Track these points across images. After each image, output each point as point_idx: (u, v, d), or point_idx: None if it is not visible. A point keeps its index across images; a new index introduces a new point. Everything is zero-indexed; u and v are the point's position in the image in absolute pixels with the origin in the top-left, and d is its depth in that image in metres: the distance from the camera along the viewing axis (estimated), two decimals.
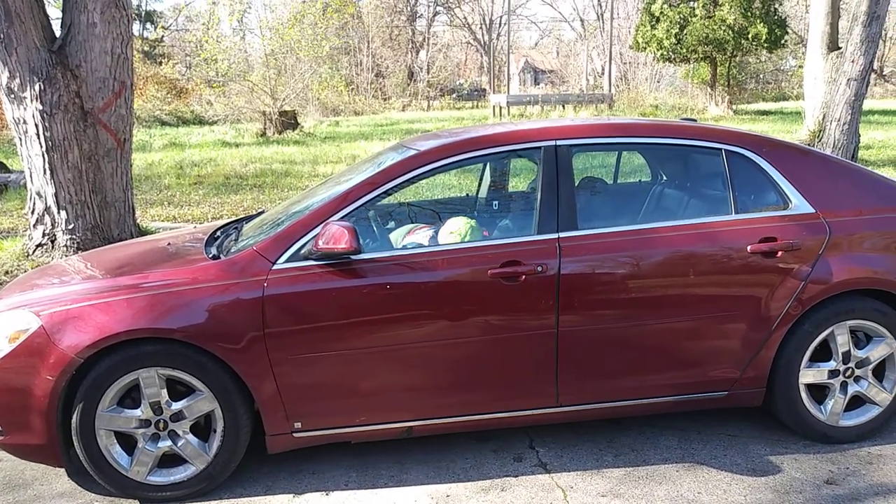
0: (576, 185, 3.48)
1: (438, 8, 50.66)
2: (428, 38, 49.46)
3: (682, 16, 25.98)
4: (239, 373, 3.13)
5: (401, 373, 3.27)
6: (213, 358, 3.11)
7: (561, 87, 42.50)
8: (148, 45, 37.39)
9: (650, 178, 4.37)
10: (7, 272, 6.36)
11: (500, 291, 3.25)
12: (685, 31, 25.85)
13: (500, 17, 46.77)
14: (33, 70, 6.27)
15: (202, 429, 3.25)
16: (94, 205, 6.68)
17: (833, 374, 3.53)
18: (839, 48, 12.42)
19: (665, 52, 26.75)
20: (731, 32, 25.25)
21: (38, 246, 6.70)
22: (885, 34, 30.93)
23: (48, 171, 6.47)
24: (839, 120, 10.36)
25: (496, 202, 4.25)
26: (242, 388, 3.17)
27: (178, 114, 28.26)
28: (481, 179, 4.47)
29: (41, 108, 6.31)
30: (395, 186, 3.39)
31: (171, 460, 3.23)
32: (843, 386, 3.55)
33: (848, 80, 10.22)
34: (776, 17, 25.69)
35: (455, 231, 3.54)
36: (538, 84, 51.35)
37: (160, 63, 34.26)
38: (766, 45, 25.70)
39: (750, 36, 25.23)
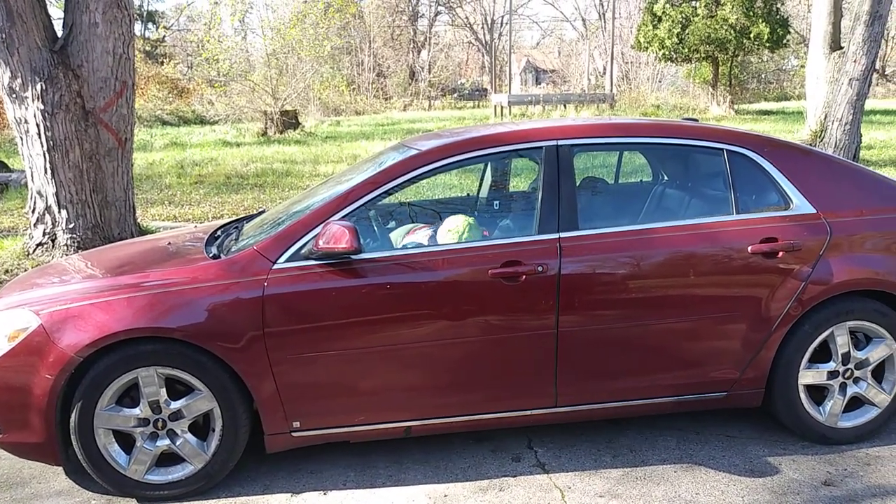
0: (577, 185, 3.48)
1: (440, 8, 50.68)
2: (429, 38, 49.46)
3: (684, 15, 25.98)
4: (238, 372, 3.13)
5: (400, 373, 3.27)
6: (213, 357, 3.11)
7: (562, 87, 42.48)
8: (149, 44, 37.45)
9: (651, 178, 4.36)
10: (7, 271, 6.37)
11: (501, 291, 3.25)
12: (687, 31, 25.85)
13: (502, 16, 46.79)
14: (35, 70, 6.28)
15: (201, 428, 3.25)
16: (95, 204, 6.69)
17: (832, 375, 3.52)
18: (841, 48, 12.41)
19: (667, 52, 26.75)
20: (732, 32, 25.25)
21: (38, 245, 6.71)
22: (888, 34, 30.90)
23: (49, 171, 6.47)
24: (841, 120, 10.36)
25: (497, 202, 4.25)
26: (241, 387, 3.17)
27: (179, 113, 28.27)
28: (482, 179, 4.46)
29: (42, 107, 6.31)
30: (396, 186, 3.39)
31: (169, 459, 3.23)
32: (843, 387, 3.54)
33: (850, 79, 10.22)
34: (778, 17, 25.69)
35: (453, 229, 3.54)
36: (540, 84, 51.33)
37: (161, 63, 34.30)
38: (767, 44, 25.70)
39: (752, 35, 25.23)
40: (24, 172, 8.38)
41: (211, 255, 3.45)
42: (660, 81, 34.39)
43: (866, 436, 3.59)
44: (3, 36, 6.16)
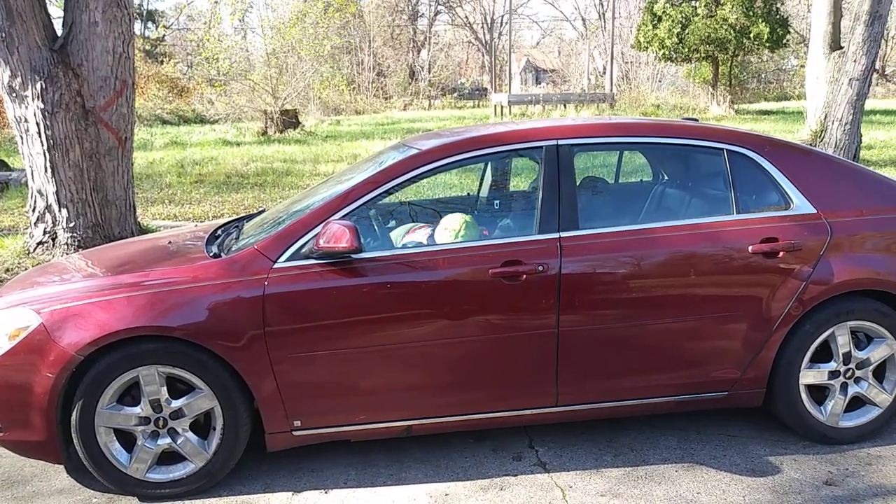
0: (577, 184, 3.48)
1: (440, 7, 50.66)
2: (429, 38, 49.43)
3: (683, 15, 25.98)
4: (239, 371, 3.13)
5: (401, 372, 3.27)
6: (214, 356, 3.11)
7: (562, 87, 42.45)
8: (149, 43, 37.42)
9: (651, 178, 4.36)
10: (8, 270, 6.37)
11: (501, 291, 3.25)
12: (687, 31, 25.84)
13: (502, 16, 46.80)
14: (35, 69, 6.28)
15: (202, 426, 3.25)
16: (95, 203, 6.69)
17: (833, 374, 3.52)
18: (841, 48, 12.41)
19: (667, 52, 26.74)
20: (732, 32, 25.24)
21: (38, 244, 6.71)
22: (888, 34, 30.90)
23: (49, 170, 6.47)
24: (841, 120, 10.36)
25: (497, 201, 4.25)
26: (242, 386, 3.17)
27: (179, 112, 28.26)
28: (482, 179, 4.46)
29: (42, 106, 6.31)
30: (397, 185, 3.39)
31: (170, 458, 3.24)
32: (844, 387, 3.54)
33: (850, 79, 10.21)
34: (778, 17, 25.69)
35: (450, 228, 3.54)
36: (539, 83, 51.33)
37: (161, 62, 34.26)
38: (767, 44, 25.69)
39: (752, 35, 25.22)
40: (24, 171, 8.38)
41: (211, 255, 3.45)
42: (660, 81, 34.38)
43: (867, 435, 3.59)
44: (3, 35, 6.16)
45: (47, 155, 6.42)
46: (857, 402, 3.59)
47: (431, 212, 4.20)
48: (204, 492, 3.26)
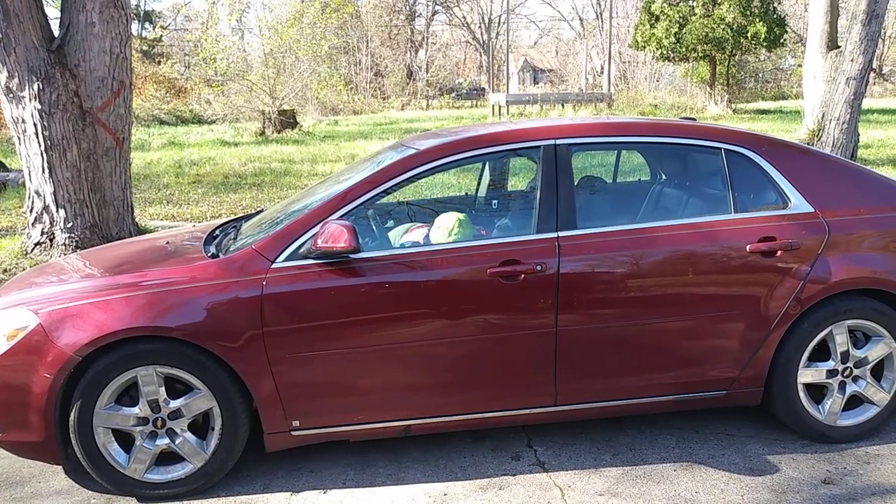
0: (575, 184, 3.48)
1: (437, 7, 50.65)
2: (427, 38, 49.41)
3: (681, 14, 25.97)
4: (237, 371, 3.13)
5: (399, 371, 3.27)
6: (212, 356, 3.11)
7: (560, 86, 42.47)
8: (147, 44, 37.33)
9: (649, 178, 4.37)
10: (6, 270, 6.36)
11: (499, 290, 3.25)
12: (684, 30, 25.83)
13: (499, 16, 46.77)
14: (32, 69, 6.27)
15: (200, 427, 3.25)
16: (93, 203, 6.68)
17: (831, 373, 3.53)
18: (838, 47, 12.43)
19: (664, 51, 26.74)
20: (730, 31, 25.24)
21: (36, 244, 6.70)
22: (885, 33, 30.95)
23: (47, 170, 6.46)
24: (838, 119, 10.36)
25: (495, 201, 4.25)
26: (241, 386, 3.17)
27: (176, 113, 28.22)
28: (480, 178, 4.46)
29: (40, 107, 6.30)
30: (395, 185, 3.39)
31: (168, 458, 3.23)
32: (842, 385, 3.55)
33: (847, 78, 10.22)
34: (775, 16, 25.69)
35: (443, 227, 3.54)
36: (537, 83, 51.35)
37: (159, 62, 34.20)
38: (765, 43, 25.69)
39: (749, 35, 25.23)
40: (21, 172, 8.36)
41: (209, 255, 3.45)
42: (657, 81, 34.42)
43: (865, 434, 3.60)
44: (0, 36, 6.15)
45: (45, 155, 6.41)
46: (855, 401, 3.60)
47: (429, 212, 4.20)
48: (202, 492, 3.26)
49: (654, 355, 3.41)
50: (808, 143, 10.79)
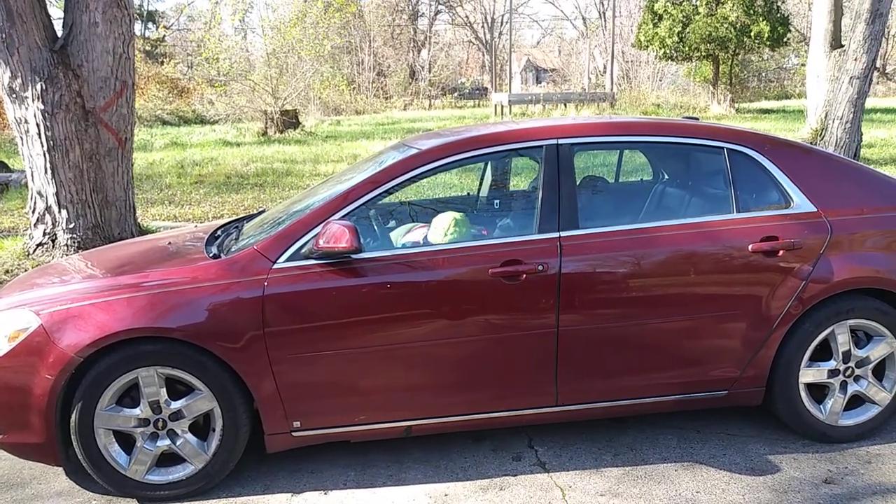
0: (577, 184, 3.48)
1: (440, 7, 50.65)
2: (430, 37, 49.43)
3: (684, 14, 25.94)
4: (238, 372, 3.13)
5: (400, 372, 3.27)
6: (213, 357, 3.11)
7: (563, 86, 42.45)
8: (149, 44, 37.42)
9: (652, 177, 4.36)
10: (7, 271, 6.37)
11: (501, 290, 3.24)
12: (688, 30, 25.80)
13: (502, 15, 46.75)
14: (35, 70, 6.28)
15: (201, 428, 3.25)
16: (95, 204, 6.69)
17: (833, 373, 3.52)
18: (842, 46, 12.40)
19: (667, 51, 26.70)
20: (733, 30, 25.20)
21: (38, 245, 6.71)
22: (888, 32, 30.86)
23: (49, 171, 6.47)
24: (842, 118, 10.34)
25: (497, 201, 4.24)
26: (242, 387, 3.17)
27: (179, 113, 28.26)
28: (482, 178, 4.46)
29: (43, 107, 6.31)
30: (397, 185, 3.39)
31: (169, 459, 3.23)
32: (843, 385, 3.54)
33: (850, 77, 10.20)
34: (779, 15, 25.65)
35: (439, 227, 3.54)
36: (540, 83, 51.35)
37: (162, 62, 34.27)
38: (768, 42, 25.65)
39: (752, 34, 25.18)
40: (24, 172, 8.38)
41: (211, 255, 3.45)
42: (660, 80, 34.36)
43: (867, 434, 3.59)
44: (3, 36, 6.16)
45: (47, 156, 6.42)
46: (856, 401, 3.59)
47: (431, 212, 4.19)
48: (203, 493, 3.26)
49: (655, 355, 3.41)
50: (811, 143, 10.77)
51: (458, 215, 3.58)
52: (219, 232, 3.99)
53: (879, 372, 3.59)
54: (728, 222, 3.44)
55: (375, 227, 3.77)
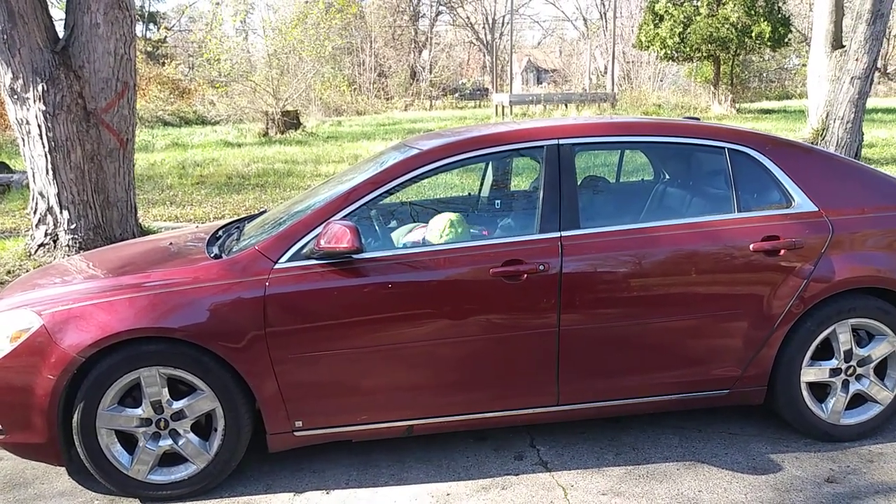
0: (578, 183, 3.48)
1: (441, 7, 50.67)
2: (430, 38, 49.45)
3: (685, 14, 25.94)
4: (240, 372, 3.13)
5: (402, 372, 3.27)
6: (215, 357, 3.11)
7: (564, 87, 42.45)
8: (151, 45, 37.45)
9: (653, 177, 4.36)
10: (9, 272, 6.38)
11: (502, 290, 3.24)
12: (689, 30, 25.80)
13: (503, 16, 46.75)
14: (36, 71, 6.29)
15: (203, 428, 3.25)
16: (97, 205, 6.70)
17: (835, 372, 3.52)
18: (843, 46, 12.40)
19: (668, 51, 26.71)
20: (734, 31, 25.20)
21: (40, 246, 6.72)
22: (889, 32, 30.86)
23: (51, 172, 6.48)
24: (843, 118, 10.33)
25: (498, 201, 4.25)
26: (243, 387, 3.17)
27: (180, 114, 28.28)
28: (483, 178, 4.46)
29: (44, 108, 6.32)
30: (398, 186, 3.39)
31: (171, 459, 3.24)
32: (845, 384, 3.54)
33: (851, 78, 10.19)
34: (780, 16, 25.65)
35: (435, 228, 3.54)
36: (541, 83, 51.32)
37: (163, 63, 34.28)
38: (769, 43, 25.65)
39: (753, 34, 25.18)
40: (25, 173, 8.40)
41: (212, 255, 3.45)
42: (661, 80, 34.38)
43: (869, 433, 3.59)
44: (5, 37, 6.17)
45: (49, 157, 6.43)
46: (858, 400, 3.59)
47: (432, 212, 4.19)
48: (205, 493, 3.26)
49: (656, 355, 3.41)
50: (812, 143, 10.77)
51: (454, 216, 3.58)
52: (220, 232, 3.99)
53: (881, 371, 3.59)
54: (729, 222, 3.44)
55: (377, 228, 3.77)
